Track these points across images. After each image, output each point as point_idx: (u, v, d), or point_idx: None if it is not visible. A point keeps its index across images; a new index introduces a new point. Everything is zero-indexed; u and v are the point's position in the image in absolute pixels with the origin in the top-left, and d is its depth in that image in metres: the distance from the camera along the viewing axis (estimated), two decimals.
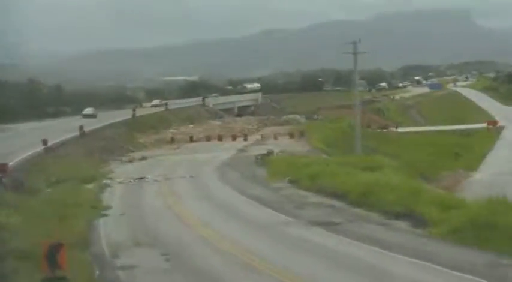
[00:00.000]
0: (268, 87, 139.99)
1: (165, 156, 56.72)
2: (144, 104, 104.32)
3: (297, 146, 58.46)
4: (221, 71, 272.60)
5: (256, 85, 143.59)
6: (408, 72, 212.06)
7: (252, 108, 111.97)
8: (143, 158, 54.06)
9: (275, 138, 67.43)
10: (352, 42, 48.91)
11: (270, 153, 48.44)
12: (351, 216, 21.35)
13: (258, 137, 69.70)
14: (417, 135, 78.11)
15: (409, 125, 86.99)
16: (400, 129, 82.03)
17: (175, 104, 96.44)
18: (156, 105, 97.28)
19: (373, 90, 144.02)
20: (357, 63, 48.65)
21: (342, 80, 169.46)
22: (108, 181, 38.45)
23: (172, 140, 70.10)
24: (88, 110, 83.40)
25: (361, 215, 21.22)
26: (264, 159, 45.91)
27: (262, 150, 54.56)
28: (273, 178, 35.76)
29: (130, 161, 52.57)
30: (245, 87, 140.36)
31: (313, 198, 27.72)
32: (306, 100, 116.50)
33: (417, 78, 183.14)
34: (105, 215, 25.51)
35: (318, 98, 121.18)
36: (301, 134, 66.09)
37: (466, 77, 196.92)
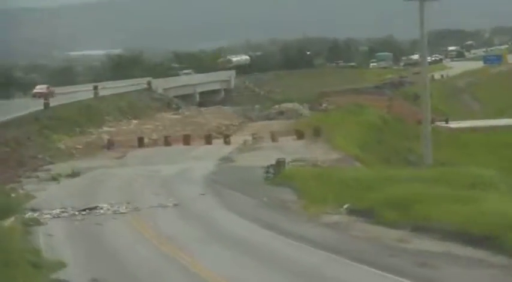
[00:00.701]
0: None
1: (107, 169, 51.95)
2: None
3: (315, 151, 54.25)
4: (157, 40, 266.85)
5: (245, 57, 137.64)
6: (434, 41, 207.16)
7: (222, 94, 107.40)
8: (74, 174, 49.40)
9: (273, 139, 63.34)
10: None
11: (280, 163, 44.28)
12: None
13: (247, 137, 65.26)
14: (481, 132, 74.45)
15: (462, 118, 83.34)
16: (452, 124, 78.26)
17: (106, 88, 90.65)
18: (40, 95, 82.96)
19: (395, 67, 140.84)
20: (424, 17, 44.76)
21: (341, 50, 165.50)
22: (34, 214, 33.46)
23: (111, 144, 65.09)
24: None
25: None
26: (278, 173, 41.48)
27: (260, 158, 50.43)
28: (315, 206, 31.23)
29: (55, 179, 48.02)
30: (230, 60, 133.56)
31: (420, 243, 23.17)
32: (298, 82, 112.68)
33: (452, 48, 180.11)
34: None
35: (313, 78, 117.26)
36: (316, 133, 61.91)
37: None
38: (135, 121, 79.20)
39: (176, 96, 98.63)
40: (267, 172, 42.40)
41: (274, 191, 37.02)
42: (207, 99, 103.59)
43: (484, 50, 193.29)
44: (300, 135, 62.68)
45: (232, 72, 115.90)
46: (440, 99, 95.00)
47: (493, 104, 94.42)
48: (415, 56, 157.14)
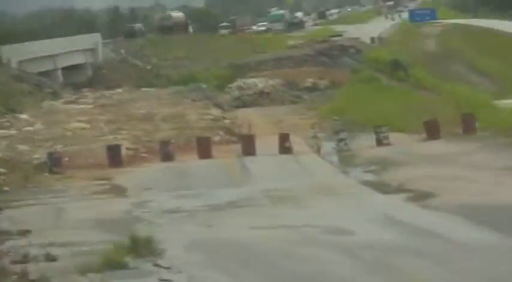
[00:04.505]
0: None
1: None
2: None
3: None
4: None
5: (180, 14, 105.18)
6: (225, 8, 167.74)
7: (90, 70, 75.51)
8: None
9: (380, 141, 35.34)
10: None
11: None
12: None
13: (297, 139, 37.33)
14: None
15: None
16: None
17: None
18: None
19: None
20: None
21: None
22: None
23: (57, 162, 34.39)
24: None
25: None
26: None
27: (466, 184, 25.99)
28: None
29: None
30: (170, 16, 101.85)
31: None
32: (177, 52, 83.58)
33: (280, 12, 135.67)
34: None
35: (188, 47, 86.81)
36: (467, 125, 35.47)
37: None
38: (23, 116, 48.45)
39: (37, 73, 66.76)
40: None
41: None
42: (69, 78, 71.76)
43: (337, 11, 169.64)
44: (432, 130, 35.42)
45: (98, 37, 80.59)
46: (427, 70, 70.29)
47: (498, 77, 70.00)
48: (299, 14, 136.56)
